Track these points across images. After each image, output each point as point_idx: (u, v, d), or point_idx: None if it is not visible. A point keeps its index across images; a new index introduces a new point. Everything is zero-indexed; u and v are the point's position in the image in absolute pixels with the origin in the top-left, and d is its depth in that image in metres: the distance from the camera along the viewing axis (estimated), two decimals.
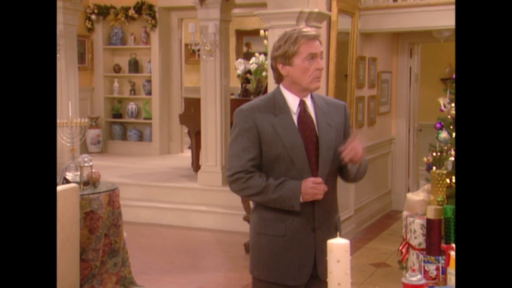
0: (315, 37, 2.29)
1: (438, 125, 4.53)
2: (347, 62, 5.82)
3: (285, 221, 2.32)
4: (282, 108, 2.32)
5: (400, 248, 4.15)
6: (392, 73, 7.38)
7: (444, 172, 4.20)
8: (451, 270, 1.76)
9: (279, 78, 2.36)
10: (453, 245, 1.74)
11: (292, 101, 2.33)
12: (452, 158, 4.17)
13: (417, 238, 4.01)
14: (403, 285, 1.70)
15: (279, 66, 2.31)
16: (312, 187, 2.25)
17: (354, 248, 5.63)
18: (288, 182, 2.27)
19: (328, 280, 1.69)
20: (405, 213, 4.29)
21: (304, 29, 2.31)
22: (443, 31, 6.30)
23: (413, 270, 1.71)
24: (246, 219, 5.53)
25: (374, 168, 6.89)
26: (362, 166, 2.46)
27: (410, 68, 7.53)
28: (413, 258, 4.04)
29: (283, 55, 2.28)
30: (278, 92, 2.36)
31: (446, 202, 4.01)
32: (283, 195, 2.26)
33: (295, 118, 2.32)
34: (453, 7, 5.71)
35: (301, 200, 2.27)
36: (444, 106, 4.67)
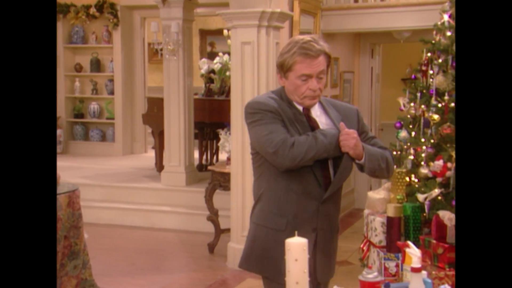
0: (315, 55, 2.13)
1: (398, 124, 4.61)
2: None
3: (287, 215, 2.24)
4: (290, 108, 2.24)
5: (362, 246, 4.20)
6: (354, 73, 7.47)
7: (404, 170, 4.27)
8: (407, 267, 1.79)
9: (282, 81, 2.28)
10: (409, 242, 1.77)
11: (297, 106, 2.26)
12: (411, 157, 4.25)
13: (378, 235, 4.07)
14: (360, 282, 1.73)
15: (278, 75, 2.25)
16: (344, 137, 2.15)
17: None
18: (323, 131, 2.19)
19: (286, 279, 1.70)
20: (366, 211, 4.35)
21: (306, 45, 2.13)
22: (403, 32, 6.41)
23: (370, 268, 1.74)
24: (210, 219, 5.52)
25: None
26: (372, 159, 2.27)
27: (372, 68, 7.64)
28: (374, 256, 4.10)
29: (281, 66, 2.20)
30: (283, 92, 2.27)
31: (405, 200, 4.09)
32: (331, 141, 2.15)
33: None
34: (412, 8, 5.83)
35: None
36: (404, 106, 4.76)
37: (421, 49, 4.57)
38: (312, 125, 2.25)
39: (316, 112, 2.28)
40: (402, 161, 4.38)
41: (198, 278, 4.82)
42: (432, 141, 4.17)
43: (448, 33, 4.17)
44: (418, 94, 4.48)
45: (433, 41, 4.33)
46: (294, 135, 2.18)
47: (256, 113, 2.19)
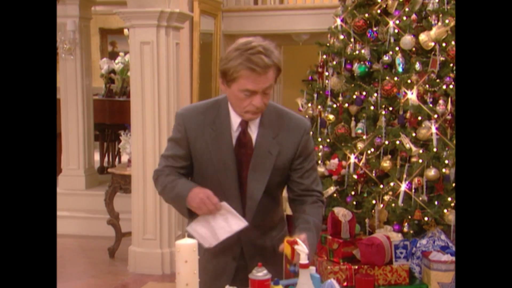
0: (262, 72, 1.87)
1: None
2: (211, 62, 5.88)
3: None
4: (222, 123, 2.01)
5: None
6: None
7: None
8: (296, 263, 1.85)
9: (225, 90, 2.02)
10: (297, 239, 1.82)
11: (234, 118, 2.01)
12: None
13: None
14: (250, 281, 1.75)
15: (220, 80, 1.98)
16: (202, 199, 1.93)
17: None
18: (179, 183, 2.03)
19: (176, 281, 1.69)
20: None
21: (254, 57, 1.86)
22: (301, 34, 6.59)
23: (259, 266, 1.77)
24: (110, 222, 5.38)
25: None
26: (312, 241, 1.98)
27: None
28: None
29: (224, 73, 1.92)
30: (225, 103, 2.03)
31: None
32: (174, 197, 2.03)
33: (234, 137, 2.02)
34: (309, 12, 6.01)
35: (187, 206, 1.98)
36: (302, 106, 4.89)
37: (317, 51, 4.73)
38: (245, 142, 2.03)
39: (256, 126, 2.03)
40: None
41: (97, 285, 4.68)
42: (328, 140, 4.33)
43: (341, 36, 4.34)
44: (315, 95, 4.63)
45: (328, 44, 4.49)
46: (203, 166, 2.04)
47: (173, 129, 2.12)
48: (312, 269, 1.83)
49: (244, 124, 2.02)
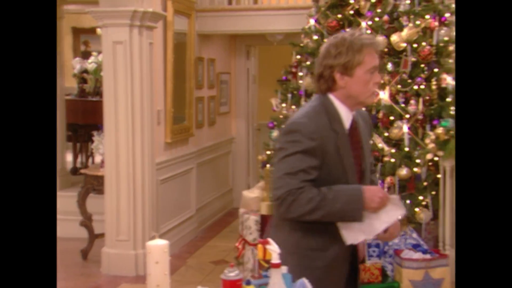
0: (379, 48, 2.06)
1: (270, 125, 4.75)
2: (185, 62, 5.85)
3: (327, 248, 2.02)
4: (338, 123, 2.03)
5: (237, 244, 4.27)
6: (231, 74, 7.57)
7: None
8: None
9: (329, 88, 2.04)
10: (269, 239, 1.82)
11: (346, 116, 2.05)
12: None
13: (252, 234, 4.16)
14: (222, 281, 1.75)
15: (337, 76, 2.00)
16: (382, 198, 1.95)
17: (195, 247, 5.68)
18: (342, 189, 1.96)
19: (147, 282, 1.68)
20: (241, 210, 4.43)
21: (366, 37, 2.03)
22: (275, 34, 6.60)
23: (231, 266, 1.77)
24: (83, 224, 5.32)
25: (215, 168, 7.01)
26: None
27: (248, 69, 7.79)
28: (249, 254, 4.18)
29: (345, 65, 1.98)
30: (329, 103, 2.04)
31: None
32: (343, 206, 1.93)
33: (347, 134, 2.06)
34: (283, 12, 6.02)
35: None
36: (276, 106, 4.91)
37: (291, 51, 4.75)
38: (356, 136, 2.08)
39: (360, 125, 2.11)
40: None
41: (70, 287, 4.62)
42: None
43: (315, 37, 4.37)
44: (289, 95, 4.65)
45: (301, 44, 4.51)
46: (333, 171, 2.00)
47: (295, 142, 1.95)
48: (284, 268, 1.84)
49: (355, 119, 2.08)
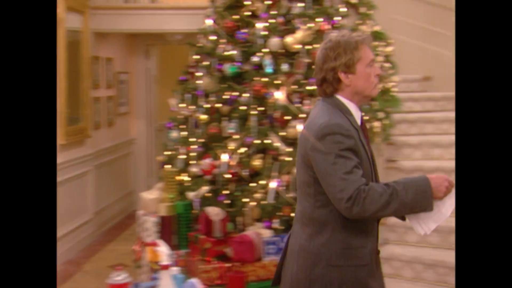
0: (370, 42, 2.15)
1: (168, 125, 4.70)
2: (80, 62, 5.65)
3: (367, 245, 2.05)
4: (354, 121, 2.09)
5: (135, 247, 4.19)
6: (130, 73, 7.41)
7: (175, 170, 4.37)
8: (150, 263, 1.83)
9: (335, 90, 2.11)
10: (157, 241, 1.79)
11: (356, 113, 2.12)
12: (183, 156, 4.36)
13: (151, 235, 4.10)
14: (109, 286, 1.71)
15: (342, 76, 2.08)
16: (447, 187, 1.97)
17: (93, 252, 5.50)
18: (409, 180, 1.97)
19: None
20: (140, 212, 4.35)
21: (356, 35, 2.13)
22: (174, 34, 6.55)
23: (118, 269, 1.73)
24: None
25: (115, 170, 6.83)
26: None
27: (148, 69, 7.66)
28: (147, 256, 4.12)
29: (346, 63, 2.07)
30: (339, 103, 2.11)
31: (178, 198, 4.19)
32: (414, 197, 1.93)
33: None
34: (181, 12, 5.99)
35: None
36: (175, 107, 4.86)
37: (190, 51, 4.73)
38: (367, 141, 2.14)
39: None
40: (173, 161, 4.48)
41: None
42: (201, 140, 4.34)
43: (212, 37, 4.38)
44: (188, 95, 4.63)
45: (199, 45, 4.51)
46: (364, 166, 2.03)
47: (335, 141, 1.97)
48: (174, 269, 1.83)
49: (363, 120, 2.14)
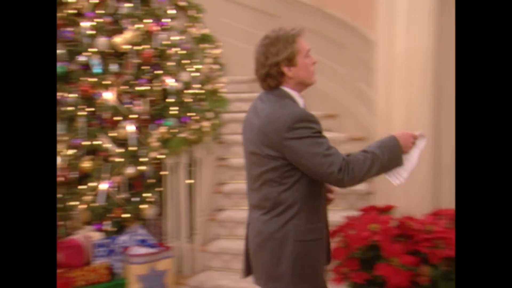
0: (303, 34, 2.26)
1: None
2: None
3: (321, 221, 2.24)
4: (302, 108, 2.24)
5: None
6: None
7: None
8: None
9: (279, 82, 2.23)
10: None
11: (300, 101, 2.25)
12: None
13: None
14: None
15: (285, 69, 2.20)
16: (413, 142, 2.23)
17: None
18: (381, 143, 2.18)
19: None
20: None
21: (290, 29, 2.24)
22: None
23: None
24: None
25: None
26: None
27: None
28: None
29: (288, 57, 2.19)
30: (286, 93, 2.23)
31: None
32: (390, 156, 2.15)
33: None
34: None
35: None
36: None
37: None
38: None
39: None
40: None
41: None
42: None
43: None
44: None
45: None
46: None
47: (306, 126, 2.10)
48: None
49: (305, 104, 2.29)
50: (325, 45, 5.14)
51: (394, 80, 3.42)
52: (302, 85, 2.26)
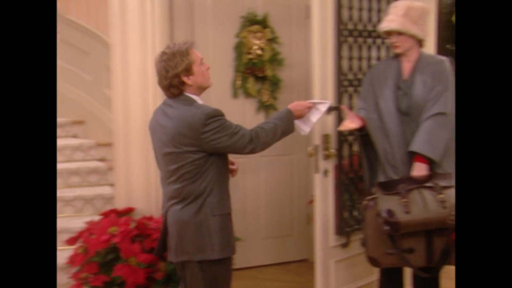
0: (194, 45, 2.63)
1: None
2: None
3: (229, 197, 2.64)
4: None
5: None
6: None
7: None
8: None
9: (181, 90, 2.58)
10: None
11: (201, 103, 2.62)
12: None
13: None
14: None
15: (185, 79, 2.56)
16: (304, 108, 2.80)
17: None
18: (279, 115, 2.73)
19: None
20: None
21: (182, 43, 2.61)
22: None
23: None
24: None
25: None
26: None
27: None
28: None
29: (186, 68, 2.55)
30: (190, 98, 2.59)
31: None
32: (287, 123, 2.70)
33: None
34: None
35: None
36: None
37: None
38: None
39: None
40: None
41: None
42: None
43: None
44: None
45: None
46: None
47: (217, 119, 2.51)
48: None
49: None
50: (69, 51, 5.06)
51: (130, 82, 3.50)
52: (201, 89, 2.64)
